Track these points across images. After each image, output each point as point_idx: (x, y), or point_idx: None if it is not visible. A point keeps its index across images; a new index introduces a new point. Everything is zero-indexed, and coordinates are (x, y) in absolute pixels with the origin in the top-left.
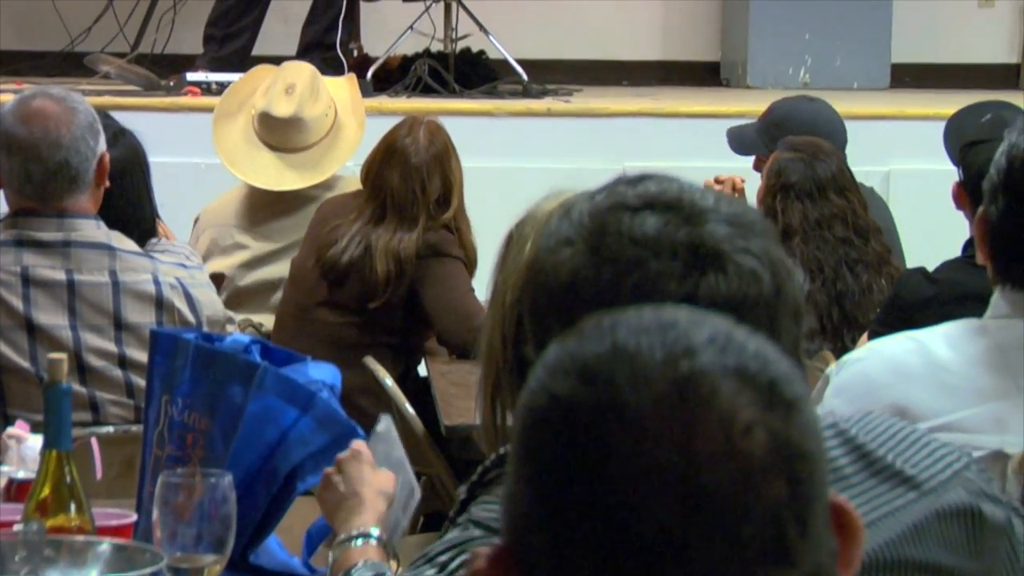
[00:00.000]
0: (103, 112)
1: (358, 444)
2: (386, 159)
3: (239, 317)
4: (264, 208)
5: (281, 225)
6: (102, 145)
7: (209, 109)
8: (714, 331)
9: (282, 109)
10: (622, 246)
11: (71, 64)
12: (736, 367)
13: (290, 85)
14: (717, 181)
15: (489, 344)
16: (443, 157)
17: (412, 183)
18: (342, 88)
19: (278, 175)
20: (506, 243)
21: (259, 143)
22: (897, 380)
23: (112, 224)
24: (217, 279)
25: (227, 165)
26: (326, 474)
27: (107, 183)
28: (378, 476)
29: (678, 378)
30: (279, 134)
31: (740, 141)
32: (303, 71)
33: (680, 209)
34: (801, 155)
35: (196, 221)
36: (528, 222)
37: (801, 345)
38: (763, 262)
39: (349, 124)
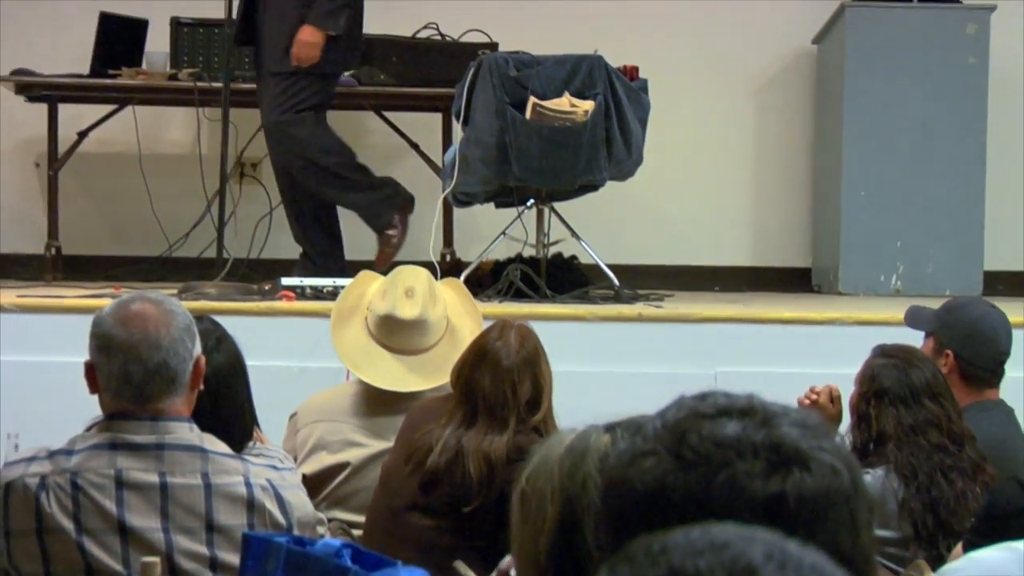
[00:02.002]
0: (207, 317)
1: None
2: (477, 362)
3: (330, 518)
4: (379, 407)
5: (395, 424)
6: (198, 348)
7: (304, 313)
8: (769, 547)
9: (407, 312)
10: (706, 449)
11: (168, 269)
12: None
13: (409, 288)
14: (813, 391)
15: None
16: (534, 360)
17: (503, 386)
18: (448, 291)
19: (402, 377)
20: (520, 501)
21: (377, 346)
22: None
23: (211, 429)
24: (329, 473)
25: (351, 368)
26: None
27: (201, 386)
28: None
29: None
30: (401, 337)
31: (915, 316)
32: (420, 275)
33: (753, 414)
34: (895, 361)
35: (292, 417)
36: (541, 475)
37: (874, 538)
38: (839, 458)
39: (463, 325)
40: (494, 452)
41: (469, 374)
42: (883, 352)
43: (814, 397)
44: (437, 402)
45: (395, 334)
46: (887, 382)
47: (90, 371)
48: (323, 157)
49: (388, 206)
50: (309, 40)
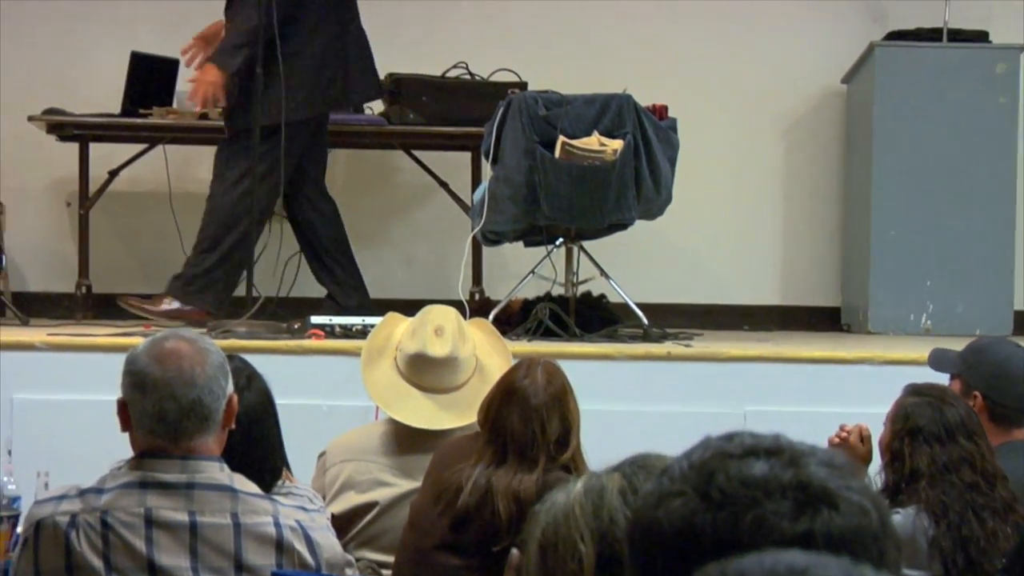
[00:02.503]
0: (236, 356)
1: None
2: (505, 401)
3: (358, 558)
4: (408, 446)
5: (424, 463)
6: (231, 387)
7: (333, 352)
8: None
9: (437, 350)
10: (733, 489)
11: None
12: None
13: (438, 327)
14: (843, 430)
15: None
16: (561, 397)
17: (532, 424)
18: (476, 330)
19: (434, 416)
20: (541, 554)
21: (407, 385)
22: None
23: (242, 468)
24: (358, 513)
25: (382, 406)
26: None
27: (232, 425)
28: None
29: None
30: (432, 375)
31: (939, 359)
32: (448, 313)
33: (781, 454)
34: (928, 399)
35: (321, 456)
36: (561, 523)
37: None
38: (867, 498)
39: (492, 363)
40: (524, 491)
41: (497, 413)
42: (915, 391)
43: (844, 435)
44: (465, 441)
45: (425, 373)
46: (921, 420)
47: (123, 409)
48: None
49: (204, 288)
50: (206, 78)
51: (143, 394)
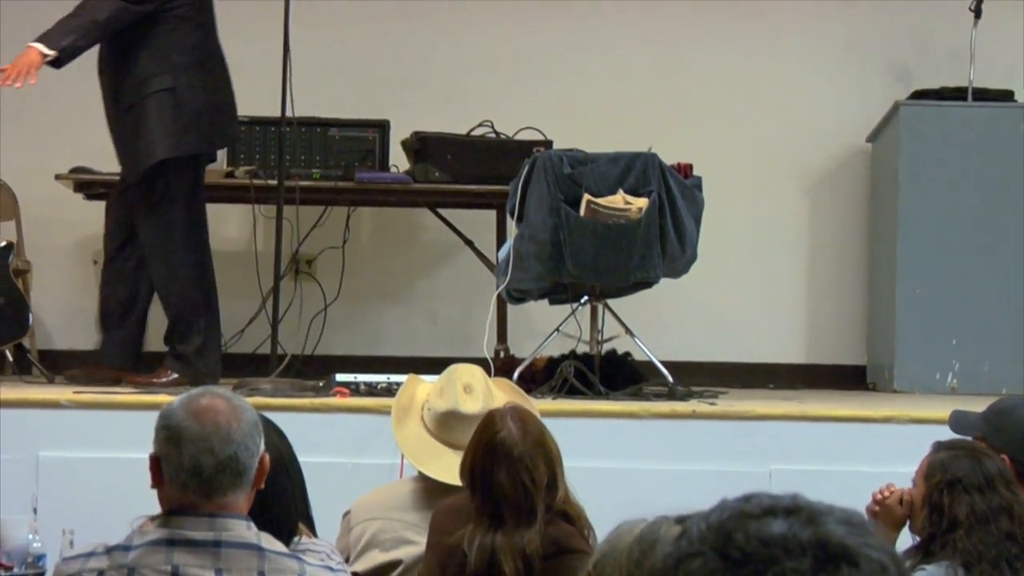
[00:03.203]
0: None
1: None
2: (488, 459)
3: None
4: (433, 504)
5: None
6: (263, 446)
7: (357, 410)
8: None
9: (469, 406)
10: (753, 548)
11: (223, 365)
12: None
13: (467, 385)
14: (889, 489)
15: None
16: (542, 441)
17: (520, 477)
18: (499, 391)
19: None
20: None
21: (436, 443)
22: None
23: (258, 524)
24: (382, 571)
25: (414, 463)
26: None
27: (262, 484)
28: None
29: None
30: (462, 432)
31: (960, 422)
32: (475, 371)
33: (799, 512)
34: (963, 452)
35: (346, 515)
36: (609, 563)
37: None
38: (886, 555)
39: None
40: (528, 547)
41: (483, 472)
42: (948, 446)
43: (887, 494)
44: (460, 502)
45: (456, 430)
46: (960, 471)
47: (155, 464)
48: None
49: (200, 362)
50: (25, 57)
51: (179, 448)
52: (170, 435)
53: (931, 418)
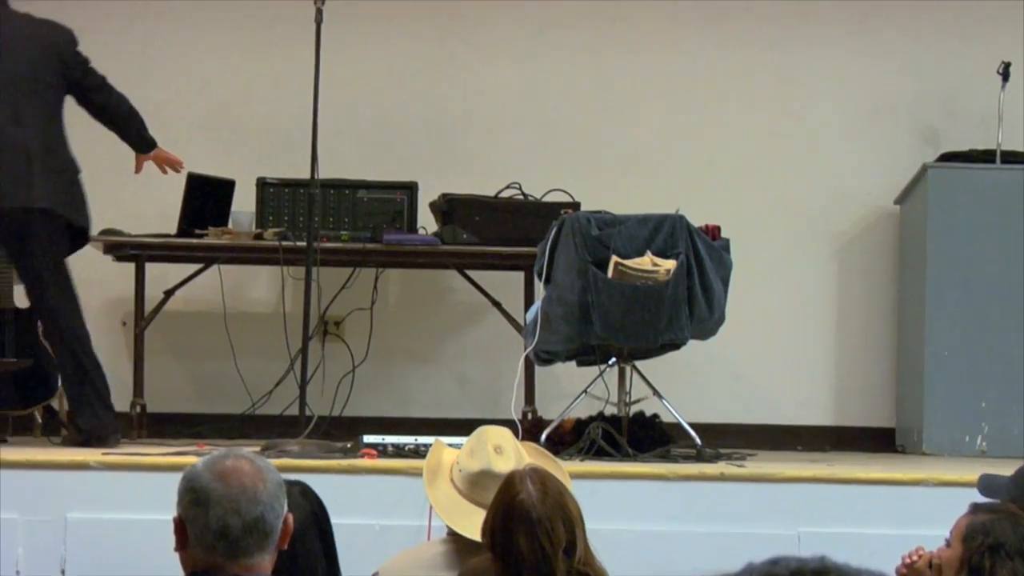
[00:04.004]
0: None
1: None
2: (507, 523)
3: None
4: (462, 566)
5: None
6: (287, 507)
7: (385, 471)
8: None
9: (501, 466)
10: None
11: (252, 426)
12: None
13: (497, 445)
14: (918, 552)
15: None
16: (560, 501)
17: (540, 541)
18: (528, 452)
19: None
20: None
21: (468, 502)
22: None
23: None
24: None
25: (448, 522)
26: None
27: (285, 546)
28: None
29: None
30: (494, 491)
31: (989, 485)
32: (504, 433)
33: (827, 574)
34: (1004, 515)
35: None
36: None
37: None
38: None
39: None
40: None
41: (503, 537)
42: (987, 508)
43: (916, 557)
44: (485, 563)
45: (489, 489)
46: (1003, 536)
47: (180, 526)
48: None
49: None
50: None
51: (206, 510)
52: (196, 497)
53: (960, 481)
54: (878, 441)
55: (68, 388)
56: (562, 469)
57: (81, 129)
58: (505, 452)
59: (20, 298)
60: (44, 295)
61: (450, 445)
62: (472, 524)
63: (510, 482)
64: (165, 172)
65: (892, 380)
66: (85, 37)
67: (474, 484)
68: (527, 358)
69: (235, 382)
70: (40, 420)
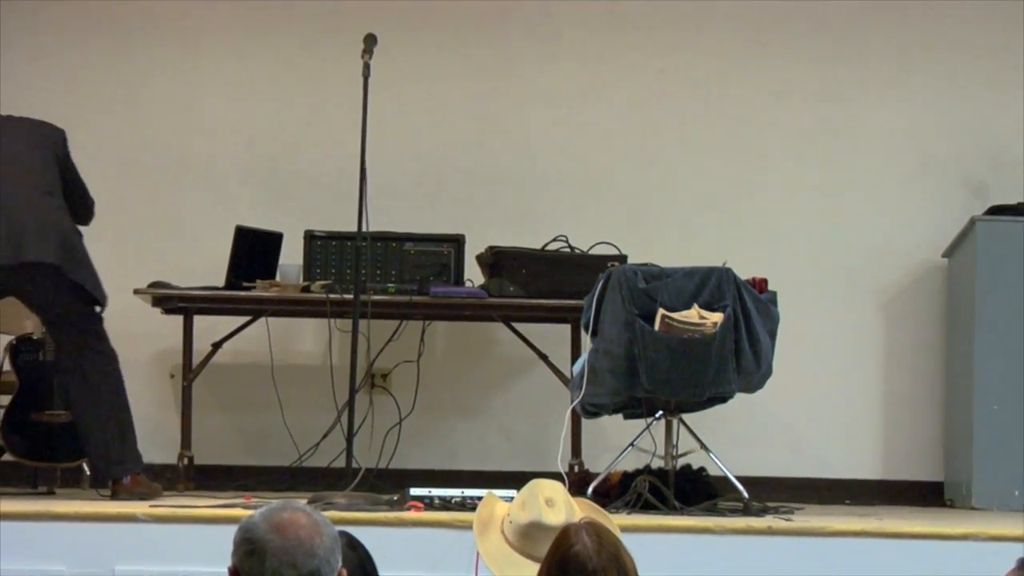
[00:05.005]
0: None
1: None
2: (561, 573)
3: None
4: None
5: None
6: (340, 563)
7: (432, 524)
8: None
9: (552, 518)
10: None
11: (298, 479)
12: None
13: (548, 498)
14: None
15: None
16: (616, 554)
17: None
18: (580, 507)
19: None
20: None
21: (518, 555)
22: None
23: None
24: None
25: (497, 574)
26: None
27: None
28: None
29: None
30: (544, 543)
31: None
32: (556, 486)
33: None
34: None
35: None
36: None
37: None
38: None
39: None
40: None
41: None
42: None
43: None
44: None
45: (539, 541)
46: None
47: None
48: None
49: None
50: None
51: (261, 561)
52: (252, 548)
53: (1010, 535)
54: (926, 495)
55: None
56: (614, 525)
57: (128, 183)
58: (556, 505)
59: None
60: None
61: (502, 498)
62: (520, 574)
63: (566, 534)
64: None
65: (940, 434)
66: (135, 92)
67: (524, 536)
68: (573, 411)
69: (282, 434)
70: (88, 472)
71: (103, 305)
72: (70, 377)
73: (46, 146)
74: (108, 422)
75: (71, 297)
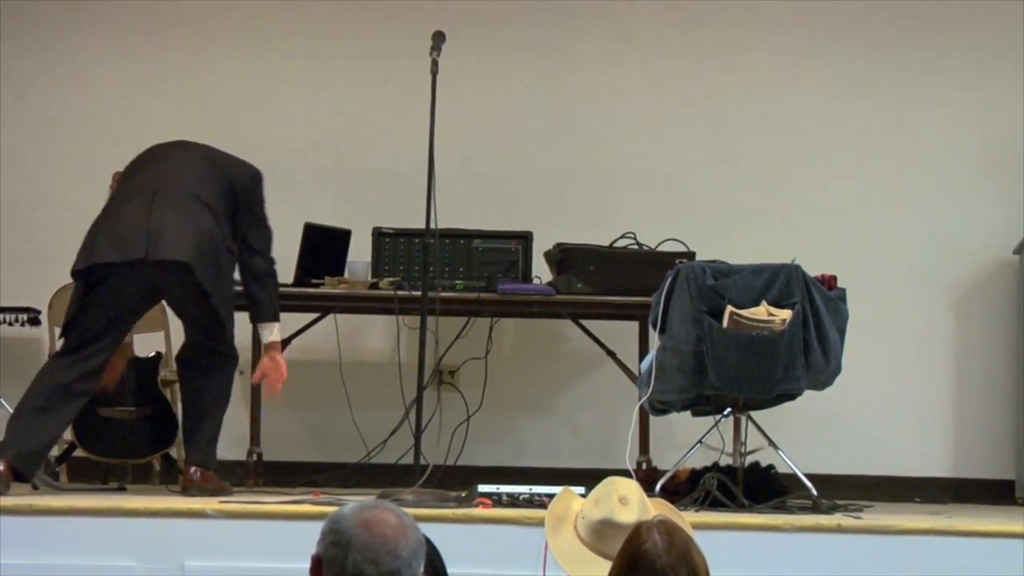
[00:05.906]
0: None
1: None
2: (631, 571)
3: None
4: None
5: None
6: (422, 568)
7: (500, 521)
8: None
9: (623, 516)
10: None
11: (367, 475)
12: None
13: (622, 496)
14: None
15: None
16: (686, 554)
17: None
18: (655, 506)
19: None
20: None
21: (590, 552)
22: None
23: None
24: None
25: (568, 570)
26: None
27: None
28: None
29: None
30: (616, 542)
31: None
32: (631, 485)
33: None
34: None
35: None
36: None
37: None
38: None
39: None
40: None
41: None
42: None
43: None
44: None
45: (610, 539)
46: None
47: (316, 565)
48: None
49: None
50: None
51: (345, 553)
52: (338, 540)
53: None
54: (998, 493)
55: None
56: (687, 524)
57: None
58: (629, 503)
59: (139, 347)
60: None
61: (580, 495)
62: (591, 573)
63: (637, 532)
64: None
65: (1012, 431)
66: (207, 91)
67: (596, 533)
68: (641, 408)
69: (350, 431)
70: (158, 468)
71: (223, 321)
72: (191, 371)
73: (216, 169)
74: (206, 421)
75: (199, 297)
